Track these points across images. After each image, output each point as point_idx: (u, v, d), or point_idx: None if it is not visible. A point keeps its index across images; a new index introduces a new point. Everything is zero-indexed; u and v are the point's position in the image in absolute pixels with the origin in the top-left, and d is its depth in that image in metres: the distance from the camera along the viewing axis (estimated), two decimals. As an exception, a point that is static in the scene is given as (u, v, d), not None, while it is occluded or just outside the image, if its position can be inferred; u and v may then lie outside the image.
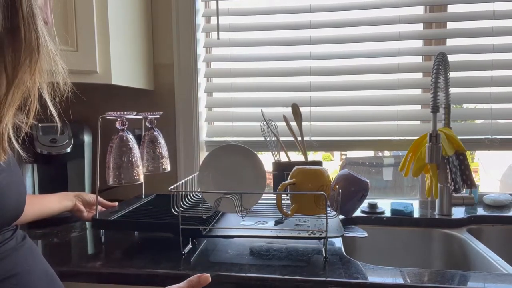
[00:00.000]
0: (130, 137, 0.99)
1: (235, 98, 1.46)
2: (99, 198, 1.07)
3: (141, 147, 1.12)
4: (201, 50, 1.46)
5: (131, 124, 1.34)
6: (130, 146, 0.98)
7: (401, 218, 1.19)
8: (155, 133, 1.13)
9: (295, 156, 1.38)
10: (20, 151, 0.51)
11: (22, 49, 0.45)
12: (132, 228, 1.00)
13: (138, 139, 1.14)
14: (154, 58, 1.43)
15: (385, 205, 1.27)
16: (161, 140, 1.14)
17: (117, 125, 0.98)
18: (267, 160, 1.20)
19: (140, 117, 1.08)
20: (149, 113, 1.11)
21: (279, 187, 0.87)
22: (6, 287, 0.51)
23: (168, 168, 1.15)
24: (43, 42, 0.47)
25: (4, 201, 0.53)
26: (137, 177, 0.99)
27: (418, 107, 1.41)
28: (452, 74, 1.22)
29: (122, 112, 0.96)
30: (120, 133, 0.98)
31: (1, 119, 0.45)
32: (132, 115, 0.99)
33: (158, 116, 1.13)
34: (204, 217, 0.93)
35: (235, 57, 1.45)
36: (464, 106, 1.52)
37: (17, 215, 0.57)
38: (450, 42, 1.38)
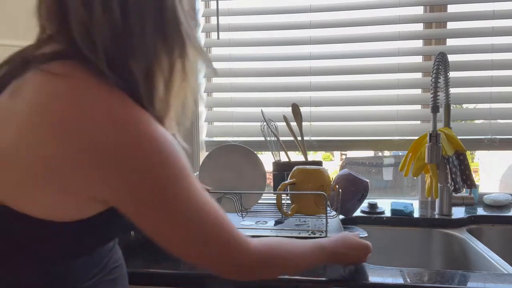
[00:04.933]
0: None
1: (235, 98, 1.46)
2: None
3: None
4: (201, 50, 1.45)
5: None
6: None
7: (401, 218, 1.19)
8: None
9: (295, 156, 1.39)
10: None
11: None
12: (128, 228, 0.99)
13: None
14: (154, 58, 1.43)
15: (385, 205, 1.27)
16: None
17: None
18: (267, 160, 1.20)
19: None
20: None
21: (279, 187, 0.87)
22: (118, 272, 0.61)
23: None
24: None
25: None
26: None
27: (418, 107, 1.41)
28: (452, 74, 1.21)
29: None
30: None
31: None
32: None
33: None
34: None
35: (235, 57, 1.45)
36: (464, 106, 1.52)
37: None
38: (450, 42, 1.37)
